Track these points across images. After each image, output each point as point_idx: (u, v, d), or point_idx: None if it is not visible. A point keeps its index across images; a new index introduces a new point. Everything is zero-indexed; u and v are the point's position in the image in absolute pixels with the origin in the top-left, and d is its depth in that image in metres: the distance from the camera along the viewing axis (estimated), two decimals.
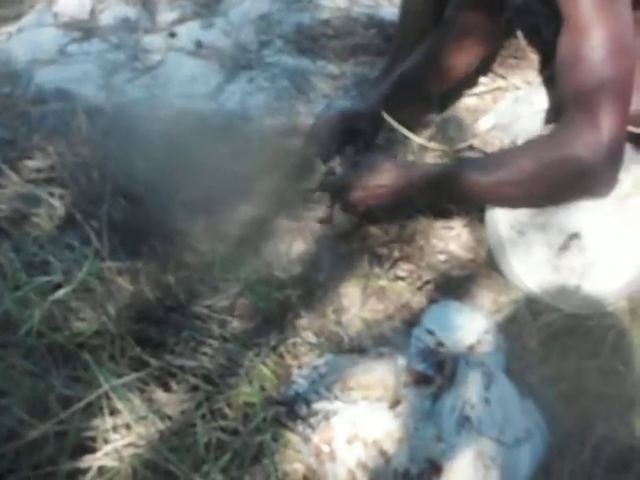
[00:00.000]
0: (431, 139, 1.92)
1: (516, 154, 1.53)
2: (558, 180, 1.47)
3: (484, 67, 2.08)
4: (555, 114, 1.52)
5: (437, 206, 1.77)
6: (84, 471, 1.32)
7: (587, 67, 1.43)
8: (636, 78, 1.47)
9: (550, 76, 1.57)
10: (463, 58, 1.91)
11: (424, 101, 1.95)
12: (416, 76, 1.89)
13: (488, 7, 1.86)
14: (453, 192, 1.60)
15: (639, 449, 1.37)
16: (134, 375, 1.44)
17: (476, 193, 1.55)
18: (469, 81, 2.05)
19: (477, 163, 1.64)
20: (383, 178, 1.61)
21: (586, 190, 1.48)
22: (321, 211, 1.77)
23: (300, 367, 1.49)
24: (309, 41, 2.43)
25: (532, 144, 1.53)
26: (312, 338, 1.55)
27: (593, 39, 1.42)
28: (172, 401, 1.42)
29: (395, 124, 1.77)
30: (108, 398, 1.39)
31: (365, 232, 1.76)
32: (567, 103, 1.47)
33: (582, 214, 1.50)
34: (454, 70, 1.92)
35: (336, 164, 1.72)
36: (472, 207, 1.73)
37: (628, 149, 1.51)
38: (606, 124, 1.40)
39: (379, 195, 1.62)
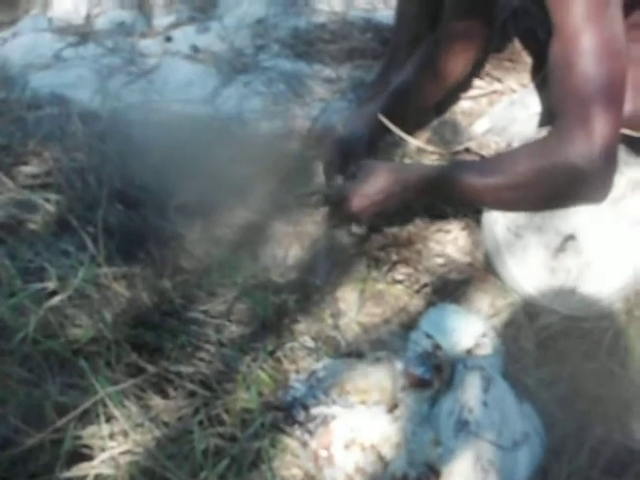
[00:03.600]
0: (427, 142, 1.92)
1: (511, 159, 1.53)
2: (552, 187, 1.47)
3: (480, 70, 2.08)
4: (550, 117, 1.52)
5: (435, 207, 1.77)
6: (81, 479, 1.32)
7: (578, 73, 1.42)
8: (629, 82, 1.47)
9: (545, 79, 1.57)
10: (458, 64, 1.91)
11: (421, 110, 1.95)
12: (412, 86, 1.89)
13: (481, 13, 1.85)
14: (450, 194, 1.60)
15: (637, 451, 1.37)
16: (130, 381, 1.43)
17: (472, 196, 1.56)
18: (465, 84, 2.05)
19: (473, 166, 1.64)
20: (381, 184, 1.61)
21: (581, 196, 1.48)
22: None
23: (298, 372, 1.49)
24: (305, 45, 2.43)
25: (526, 149, 1.53)
26: (309, 343, 1.55)
27: (583, 44, 1.41)
28: (169, 407, 1.42)
29: (392, 127, 1.77)
30: (104, 405, 1.38)
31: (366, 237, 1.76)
32: (559, 109, 1.47)
33: (578, 216, 1.50)
34: (450, 76, 1.92)
35: (338, 179, 1.72)
36: (469, 209, 1.73)
37: (622, 151, 1.51)
38: (598, 130, 1.40)
39: (379, 201, 1.63)
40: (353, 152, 1.75)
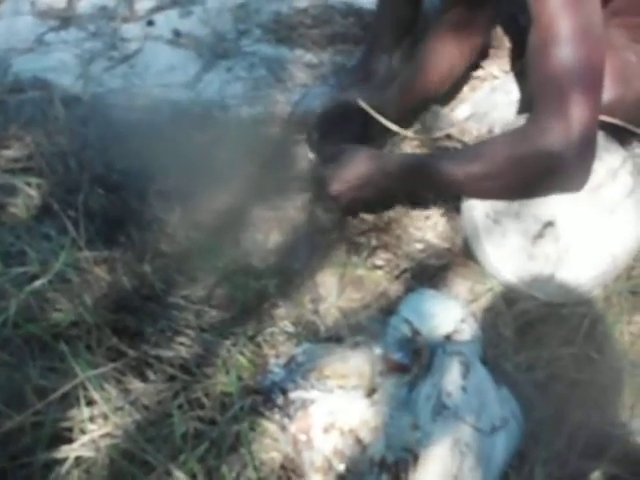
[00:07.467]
0: (408, 128, 1.92)
1: (489, 148, 1.54)
2: (530, 175, 1.47)
3: None
4: (530, 104, 1.52)
5: (415, 194, 1.78)
6: (61, 461, 1.32)
7: (555, 60, 1.42)
8: (610, 68, 1.47)
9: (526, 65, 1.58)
10: (461, 55, 1.89)
11: (427, 101, 1.96)
12: (420, 78, 1.89)
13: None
14: (429, 184, 1.62)
15: (613, 435, 1.38)
16: (110, 365, 1.44)
17: (451, 185, 1.57)
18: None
19: (452, 156, 1.65)
20: (361, 170, 1.62)
21: (559, 184, 1.49)
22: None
23: (277, 356, 1.50)
24: (287, 30, 2.43)
25: (504, 138, 1.54)
26: (289, 327, 1.56)
27: (559, 32, 1.41)
28: (149, 391, 1.42)
29: (373, 113, 1.78)
30: (84, 388, 1.39)
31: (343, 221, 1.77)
32: (537, 96, 1.47)
33: (557, 202, 1.50)
34: (454, 68, 1.90)
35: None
36: (449, 196, 1.74)
37: (602, 138, 1.52)
38: (576, 117, 1.40)
39: (358, 187, 1.64)
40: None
